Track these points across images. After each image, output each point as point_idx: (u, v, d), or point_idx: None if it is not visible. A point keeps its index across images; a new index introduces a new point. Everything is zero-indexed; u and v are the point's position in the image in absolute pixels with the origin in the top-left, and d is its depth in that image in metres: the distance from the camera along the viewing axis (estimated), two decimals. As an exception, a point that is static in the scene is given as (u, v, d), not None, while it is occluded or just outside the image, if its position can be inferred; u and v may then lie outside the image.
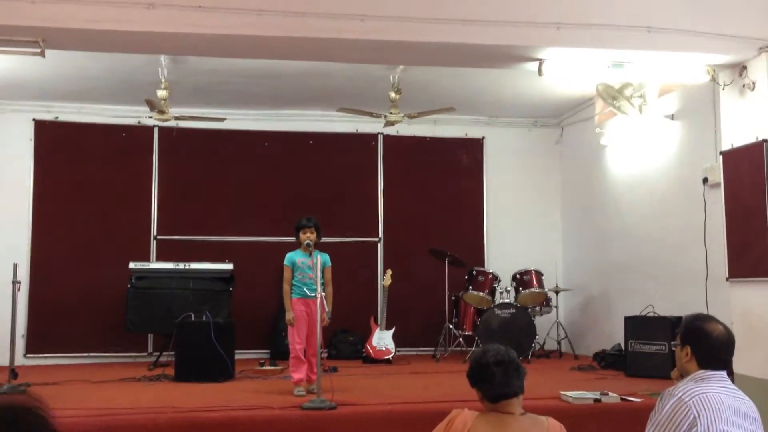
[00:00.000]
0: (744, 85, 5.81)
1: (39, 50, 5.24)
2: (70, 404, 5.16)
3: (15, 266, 6.18)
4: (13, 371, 6.05)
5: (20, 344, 8.11)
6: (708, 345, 2.87)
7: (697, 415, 2.68)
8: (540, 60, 5.76)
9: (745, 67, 5.82)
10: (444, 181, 9.62)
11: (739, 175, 5.92)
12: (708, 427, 2.67)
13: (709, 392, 2.76)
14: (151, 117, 7.84)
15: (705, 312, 4.80)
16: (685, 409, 2.71)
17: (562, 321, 8.87)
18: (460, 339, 8.43)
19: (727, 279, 6.03)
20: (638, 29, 5.49)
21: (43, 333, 8.48)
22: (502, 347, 2.81)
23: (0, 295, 7.06)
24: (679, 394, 2.76)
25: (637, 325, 6.80)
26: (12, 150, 8.67)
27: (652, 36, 5.50)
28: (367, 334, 8.36)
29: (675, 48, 5.62)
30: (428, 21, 5.32)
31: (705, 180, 6.63)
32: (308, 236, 5.87)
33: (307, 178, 9.27)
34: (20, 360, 7.76)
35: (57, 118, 8.81)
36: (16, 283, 6.16)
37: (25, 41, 5.18)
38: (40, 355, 8.41)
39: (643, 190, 7.84)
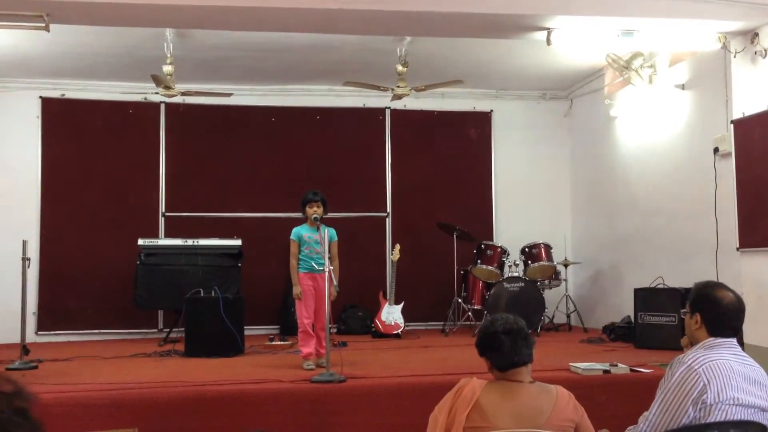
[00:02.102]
0: (756, 53, 5.73)
1: (43, 24, 5.22)
2: (81, 380, 5.23)
3: (24, 243, 6.19)
4: (24, 348, 6.09)
5: (31, 321, 8.19)
6: (718, 312, 2.84)
7: (707, 383, 2.67)
8: (548, 29, 5.71)
9: (756, 34, 5.74)
10: (452, 154, 9.56)
11: (750, 145, 5.86)
12: (718, 394, 2.66)
13: (719, 359, 2.74)
14: (157, 93, 7.81)
15: (715, 282, 4.77)
16: (695, 377, 2.69)
17: (571, 294, 8.85)
18: (469, 313, 8.43)
19: (737, 249, 6.00)
20: (648, -4, 5.42)
21: (53, 310, 8.53)
22: (510, 316, 2.79)
23: (10, 272, 7.09)
24: (689, 362, 2.74)
25: (647, 297, 6.77)
26: (19, 127, 8.67)
27: (663, 3, 5.42)
28: (376, 309, 8.38)
29: (686, 15, 5.54)
30: (435, -10, 5.26)
31: (716, 150, 6.55)
32: (315, 210, 5.84)
33: (315, 154, 9.24)
34: (31, 337, 7.82)
35: (63, 95, 8.79)
36: (25, 260, 6.18)
37: (29, 15, 5.16)
38: (52, 332, 8.46)
39: (653, 161, 7.77)
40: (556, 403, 2.65)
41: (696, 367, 2.71)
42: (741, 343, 2.91)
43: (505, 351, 2.68)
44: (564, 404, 2.67)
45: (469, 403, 2.62)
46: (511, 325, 2.73)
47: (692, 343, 2.92)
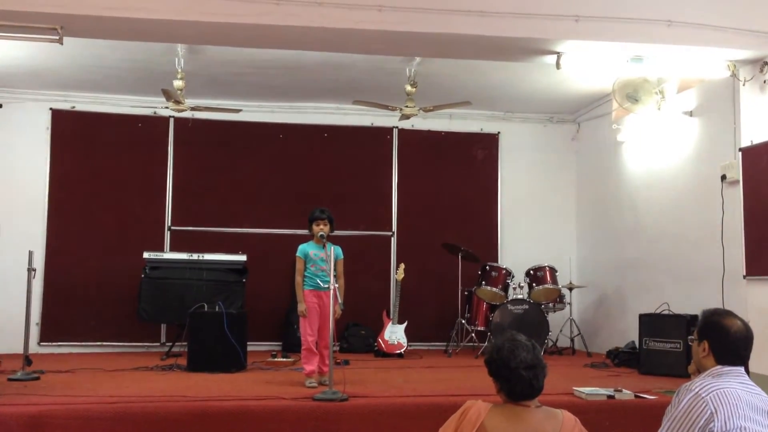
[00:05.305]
0: (765, 81, 5.75)
1: (57, 37, 5.26)
2: (82, 392, 5.22)
3: (30, 254, 6.20)
4: (27, 358, 6.09)
5: (34, 332, 8.18)
6: (726, 340, 2.83)
7: (714, 411, 2.65)
8: (558, 53, 5.74)
9: (766, 63, 5.76)
10: (458, 175, 9.58)
11: (758, 172, 5.85)
12: (725, 423, 2.64)
13: (727, 388, 2.72)
14: (166, 107, 7.86)
15: (722, 309, 4.74)
16: (702, 405, 2.67)
17: (575, 318, 8.81)
18: (473, 334, 8.40)
19: (744, 277, 5.98)
20: (658, 23, 5.46)
21: (57, 321, 8.53)
22: (527, 343, 2.71)
23: (15, 283, 7.10)
24: (696, 389, 2.73)
25: (652, 323, 6.73)
26: (29, 139, 8.71)
27: (673, 30, 5.45)
28: (379, 328, 8.35)
29: (695, 42, 5.57)
30: (446, 12, 5.31)
31: (723, 177, 6.56)
32: (321, 228, 5.86)
33: (322, 171, 9.27)
34: (34, 348, 7.84)
35: (74, 107, 8.85)
36: (31, 270, 6.19)
37: (43, 28, 5.21)
38: (54, 343, 8.45)
39: (660, 187, 7.77)
40: (562, 428, 2.63)
41: (703, 395, 2.69)
42: (748, 369, 2.90)
43: (523, 386, 2.65)
44: (569, 429, 2.65)
45: (474, 426, 2.60)
46: (531, 360, 2.67)
47: (699, 371, 2.90)
